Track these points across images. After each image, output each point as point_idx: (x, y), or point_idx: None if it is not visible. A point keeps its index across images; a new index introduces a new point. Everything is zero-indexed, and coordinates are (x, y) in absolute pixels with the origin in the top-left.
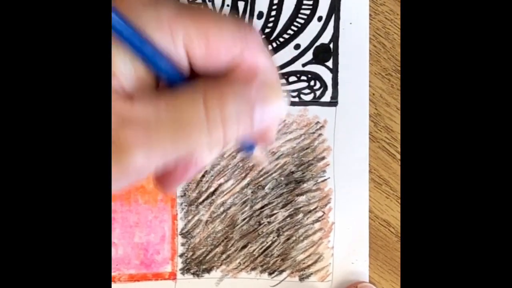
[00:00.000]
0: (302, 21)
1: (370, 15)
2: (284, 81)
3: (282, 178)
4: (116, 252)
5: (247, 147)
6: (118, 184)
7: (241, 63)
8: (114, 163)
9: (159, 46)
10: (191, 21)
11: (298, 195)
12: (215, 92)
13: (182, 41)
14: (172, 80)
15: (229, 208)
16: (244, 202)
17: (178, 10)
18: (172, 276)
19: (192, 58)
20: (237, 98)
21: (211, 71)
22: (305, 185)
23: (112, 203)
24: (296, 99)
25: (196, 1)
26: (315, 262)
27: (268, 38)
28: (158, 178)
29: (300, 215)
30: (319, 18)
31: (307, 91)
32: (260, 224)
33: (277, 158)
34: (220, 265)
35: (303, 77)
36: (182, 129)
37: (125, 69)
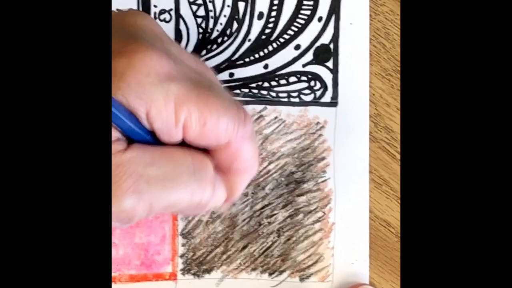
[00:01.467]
0: (303, 22)
1: (370, 15)
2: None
3: (283, 179)
4: (117, 252)
5: None
6: None
7: (226, 148)
8: None
9: (160, 129)
10: (196, 105)
11: (298, 195)
12: (198, 154)
13: (183, 121)
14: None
15: (229, 208)
16: (244, 202)
17: (187, 90)
18: (173, 276)
19: (185, 136)
20: (212, 169)
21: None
22: (305, 185)
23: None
24: (296, 100)
25: (197, 2)
26: (316, 262)
27: (268, 39)
28: None
29: (301, 216)
30: (319, 19)
31: (307, 91)
32: (260, 225)
33: (278, 159)
34: (221, 265)
35: (303, 78)
36: (172, 182)
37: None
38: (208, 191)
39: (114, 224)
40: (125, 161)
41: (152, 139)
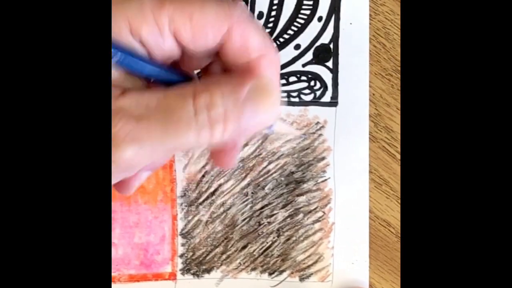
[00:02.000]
0: (302, 21)
1: (370, 15)
2: (282, 81)
3: (282, 179)
4: (116, 252)
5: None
6: None
7: (231, 39)
8: None
9: (148, 41)
10: (174, 6)
11: (298, 195)
12: (204, 93)
13: (168, 29)
14: (164, 82)
15: (229, 208)
16: (244, 202)
17: None
18: (172, 276)
19: (182, 43)
20: (225, 100)
21: (203, 54)
22: (305, 185)
23: (112, 203)
24: (296, 99)
25: None
26: (315, 262)
27: None
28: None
29: (300, 216)
30: (319, 18)
31: (307, 91)
32: (260, 225)
33: (277, 158)
34: (220, 265)
35: (303, 77)
36: (171, 126)
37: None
38: (217, 128)
39: (117, 174)
40: (122, 107)
41: (154, 65)
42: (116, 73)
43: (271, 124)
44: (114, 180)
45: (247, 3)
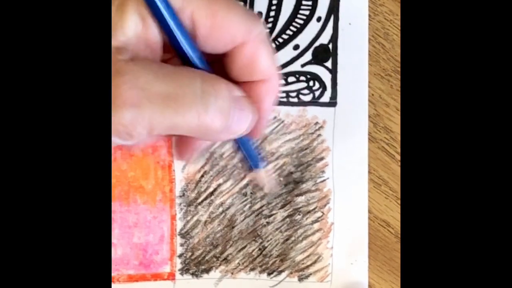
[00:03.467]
0: (301, 22)
1: (369, 15)
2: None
3: (281, 179)
4: (115, 252)
5: (253, 163)
6: None
7: (243, 49)
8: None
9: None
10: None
11: (297, 195)
12: (212, 79)
13: (190, 13)
14: (180, 52)
15: (228, 208)
16: (243, 202)
17: None
18: (171, 276)
19: (197, 28)
20: (228, 93)
21: (212, 48)
22: (304, 185)
23: (111, 204)
24: (295, 100)
25: None
26: (314, 262)
27: None
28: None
29: (299, 216)
30: (318, 19)
31: (306, 91)
32: (259, 225)
33: (276, 159)
34: (219, 265)
35: (302, 78)
36: (175, 102)
37: (135, 27)
38: (218, 118)
39: (113, 140)
40: (128, 71)
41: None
42: (130, 34)
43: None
44: (112, 145)
45: (246, 3)
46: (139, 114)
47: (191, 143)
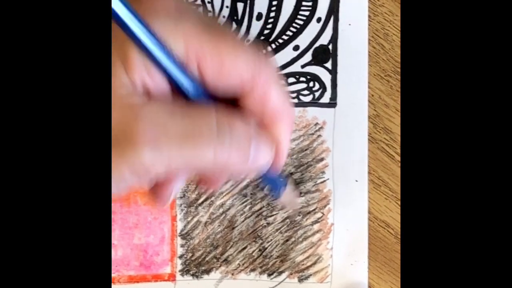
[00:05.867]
0: (301, 22)
1: (369, 16)
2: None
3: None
4: (116, 253)
5: (275, 187)
6: (119, 183)
7: (252, 92)
8: (120, 156)
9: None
10: (209, 38)
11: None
12: (227, 115)
13: (195, 56)
14: (188, 94)
15: (228, 209)
16: (243, 203)
17: (199, 28)
18: (172, 277)
19: (204, 75)
20: (244, 127)
21: (221, 93)
22: (304, 186)
23: (112, 205)
24: (295, 100)
25: (196, 2)
26: (314, 263)
27: (267, 39)
28: (151, 189)
29: (299, 216)
30: (318, 19)
31: (306, 92)
32: (259, 226)
33: None
34: (220, 266)
35: (302, 78)
36: (192, 137)
37: (147, 67)
38: (235, 153)
39: (131, 179)
40: (146, 113)
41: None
42: (144, 74)
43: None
44: (125, 184)
45: (246, 4)
46: (159, 152)
47: (165, 188)
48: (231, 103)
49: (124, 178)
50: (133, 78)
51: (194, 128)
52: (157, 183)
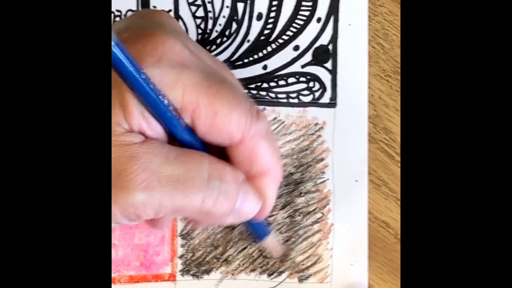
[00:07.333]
0: (301, 23)
1: (369, 16)
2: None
3: (281, 180)
4: (116, 253)
5: (259, 235)
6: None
7: (241, 145)
8: (112, 197)
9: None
10: (206, 95)
11: (297, 196)
12: (218, 164)
13: (190, 111)
14: (182, 142)
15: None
16: None
17: (198, 80)
18: (172, 277)
19: (196, 125)
20: (233, 178)
21: (212, 142)
22: (304, 186)
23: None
24: (295, 101)
25: (196, 2)
26: (314, 263)
27: (267, 40)
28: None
29: (299, 217)
30: (318, 20)
31: (306, 92)
32: None
33: None
34: (220, 266)
35: (302, 79)
36: (183, 185)
37: (143, 113)
38: (223, 202)
39: (121, 220)
40: (140, 154)
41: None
42: (141, 121)
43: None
44: (115, 222)
45: (246, 4)
46: (150, 197)
47: (158, 220)
48: (223, 152)
49: (115, 218)
50: (131, 124)
51: (187, 174)
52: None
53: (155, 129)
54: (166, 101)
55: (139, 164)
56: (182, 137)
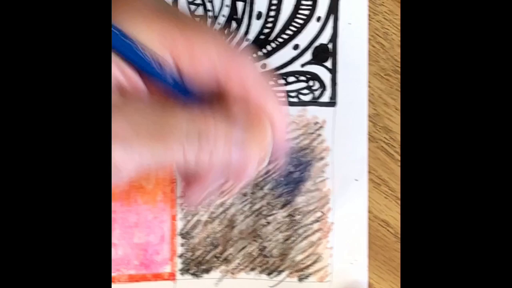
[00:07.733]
0: (301, 22)
1: (369, 15)
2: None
3: (281, 179)
4: (116, 252)
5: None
6: None
7: (230, 78)
8: None
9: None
10: (181, 32)
11: (296, 195)
12: (199, 116)
13: (169, 51)
14: (169, 89)
15: (228, 208)
16: (243, 202)
17: (173, 22)
18: (172, 276)
19: (180, 68)
20: (218, 128)
21: (202, 86)
22: (303, 185)
23: (112, 204)
24: (295, 100)
25: (195, 1)
26: (314, 262)
27: (267, 39)
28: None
29: (299, 216)
30: (318, 19)
31: (306, 91)
32: (259, 225)
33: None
34: (219, 265)
35: (302, 78)
36: (162, 137)
37: (121, 67)
38: (205, 154)
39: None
40: (120, 109)
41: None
42: (119, 75)
43: (257, 168)
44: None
45: (246, 4)
46: (128, 150)
47: (198, 185)
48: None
49: None
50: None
51: (164, 129)
52: (190, 185)
53: (135, 83)
54: (145, 50)
55: (117, 118)
56: (168, 83)
